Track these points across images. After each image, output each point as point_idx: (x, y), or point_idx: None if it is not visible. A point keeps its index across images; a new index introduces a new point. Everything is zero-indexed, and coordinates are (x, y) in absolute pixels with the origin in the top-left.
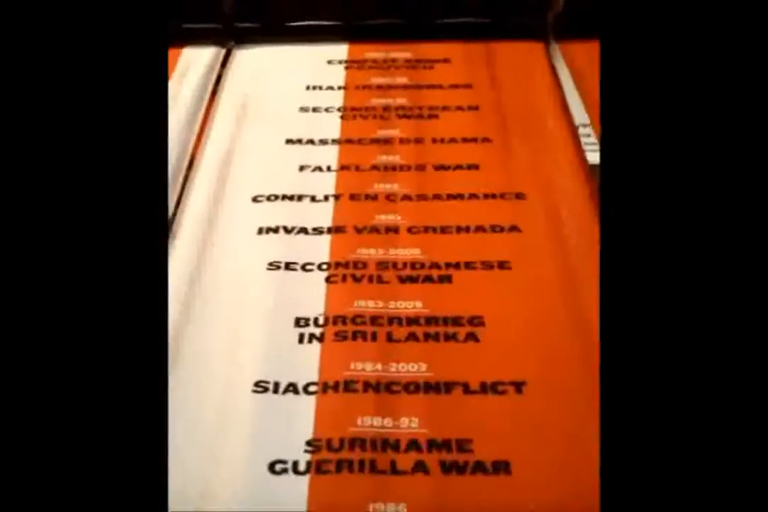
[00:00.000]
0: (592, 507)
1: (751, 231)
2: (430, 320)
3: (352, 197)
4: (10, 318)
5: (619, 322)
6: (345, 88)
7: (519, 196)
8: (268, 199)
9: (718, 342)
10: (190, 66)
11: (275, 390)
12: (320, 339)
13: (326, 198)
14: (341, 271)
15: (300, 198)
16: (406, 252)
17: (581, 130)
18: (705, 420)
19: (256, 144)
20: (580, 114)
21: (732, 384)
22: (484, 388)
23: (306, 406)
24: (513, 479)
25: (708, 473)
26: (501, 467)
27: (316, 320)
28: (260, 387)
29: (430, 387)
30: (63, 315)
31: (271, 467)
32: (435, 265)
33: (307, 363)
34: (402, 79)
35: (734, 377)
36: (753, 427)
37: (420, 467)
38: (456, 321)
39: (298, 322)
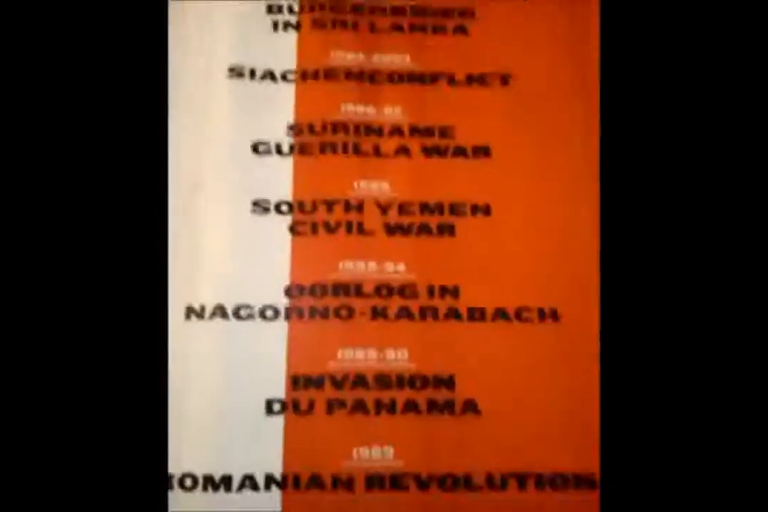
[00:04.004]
0: (590, 249)
1: None
2: (418, 10)
3: None
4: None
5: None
6: None
7: None
8: None
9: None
10: None
11: (252, 76)
12: (296, 27)
13: None
14: None
15: None
16: None
17: None
18: None
19: None
20: None
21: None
22: (470, 80)
23: (285, 93)
24: (493, 159)
25: None
26: (481, 151)
27: (290, 7)
28: (235, 72)
29: (414, 78)
30: None
31: (255, 148)
32: None
33: (283, 50)
34: None
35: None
36: None
37: (402, 150)
38: (446, 13)
39: (270, 9)
